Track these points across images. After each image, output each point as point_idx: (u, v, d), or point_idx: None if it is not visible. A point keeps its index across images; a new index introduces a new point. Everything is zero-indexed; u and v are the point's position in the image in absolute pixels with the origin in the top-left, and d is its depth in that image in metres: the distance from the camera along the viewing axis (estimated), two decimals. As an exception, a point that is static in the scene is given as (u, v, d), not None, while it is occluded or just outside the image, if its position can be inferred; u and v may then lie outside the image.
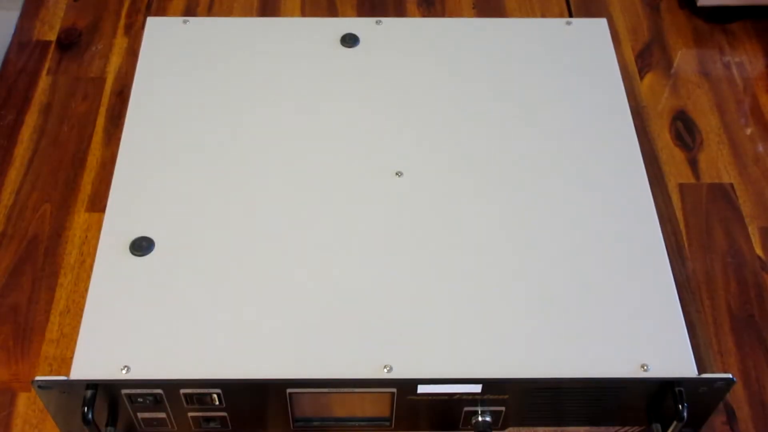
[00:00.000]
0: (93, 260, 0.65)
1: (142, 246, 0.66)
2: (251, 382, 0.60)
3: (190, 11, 0.96)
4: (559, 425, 0.66)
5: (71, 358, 0.60)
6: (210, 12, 0.96)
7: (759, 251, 0.77)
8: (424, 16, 0.96)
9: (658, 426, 0.63)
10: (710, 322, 0.73)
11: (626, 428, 0.66)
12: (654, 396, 0.62)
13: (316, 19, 0.92)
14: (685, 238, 0.78)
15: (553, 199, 0.70)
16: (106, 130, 0.84)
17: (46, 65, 0.90)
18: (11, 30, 0.92)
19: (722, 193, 0.81)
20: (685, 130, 0.86)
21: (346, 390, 0.60)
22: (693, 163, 0.83)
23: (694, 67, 0.92)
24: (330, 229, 0.67)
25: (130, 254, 0.65)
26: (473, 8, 0.97)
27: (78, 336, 0.61)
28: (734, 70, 0.91)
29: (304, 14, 0.96)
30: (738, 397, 0.69)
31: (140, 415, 0.62)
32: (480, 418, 0.63)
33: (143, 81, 0.77)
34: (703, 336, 0.72)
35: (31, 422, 0.66)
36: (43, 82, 0.88)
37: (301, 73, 0.78)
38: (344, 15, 0.96)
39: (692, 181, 0.82)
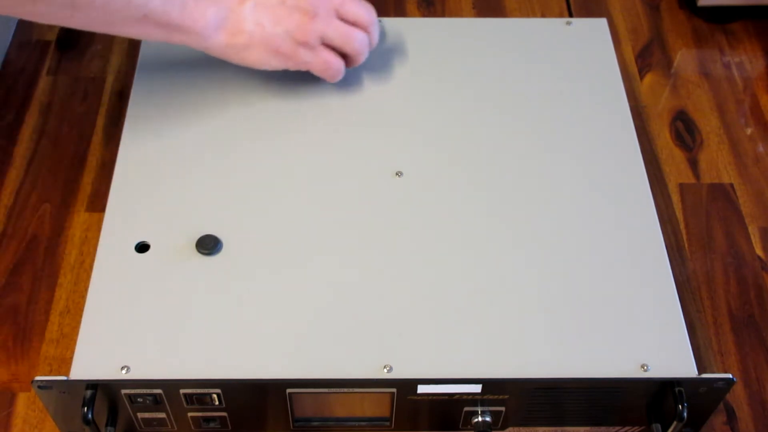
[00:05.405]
0: (93, 260, 0.65)
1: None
2: (251, 382, 0.60)
3: (190, 11, 0.95)
4: (559, 425, 0.66)
5: (71, 358, 0.60)
6: (210, 12, 0.95)
7: (759, 251, 0.77)
8: (424, 16, 0.96)
9: (658, 426, 0.63)
10: (710, 322, 0.73)
11: (626, 428, 0.66)
12: (654, 396, 0.62)
13: (316, 19, 0.92)
14: (685, 238, 0.78)
15: (552, 199, 0.70)
16: (106, 130, 0.84)
17: (46, 65, 0.90)
18: (11, 30, 0.92)
19: (722, 193, 0.81)
20: (685, 130, 0.86)
21: (346, 390, 0.60)
22: (693, 163, 0.83)
23: (694, 67, 0.92)
24: (329, 229, 0.67)
25: (131, 254, 0.65)
26: (473, 8, 0.97)
27: (78, 336, 0.61)
28: (734, 70, 0.91)
29: (304, 14, 0.96)
30: (738, 397, 0.69)
31: (140, 415, 0.62)
32: (480, 418, 0.63)
33: (143, 81, 0.77)
34: (703, 336, 0.72)
35: (31, 422, 0.66)
36: (43, 82, 0.88)
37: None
38: (344, 15, 0.96)
39: (692, 181, 0.82)
